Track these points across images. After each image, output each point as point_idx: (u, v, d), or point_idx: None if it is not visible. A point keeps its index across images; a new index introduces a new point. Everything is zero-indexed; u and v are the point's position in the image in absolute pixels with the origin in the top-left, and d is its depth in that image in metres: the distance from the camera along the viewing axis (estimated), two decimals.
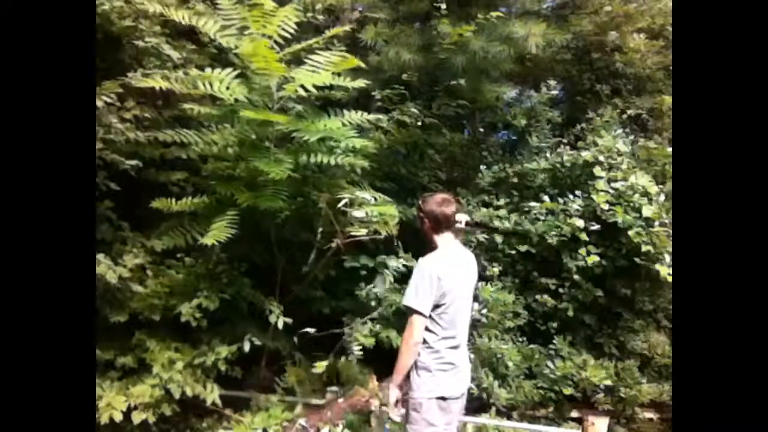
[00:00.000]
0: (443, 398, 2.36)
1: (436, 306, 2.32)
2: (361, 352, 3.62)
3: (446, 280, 2.32)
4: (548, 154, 5.13)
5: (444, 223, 2.42)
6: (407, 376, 2.38)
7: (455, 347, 2.41)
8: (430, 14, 5.03)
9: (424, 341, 2.35)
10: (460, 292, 2.40)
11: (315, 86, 3.41)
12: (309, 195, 3.94)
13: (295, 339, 3.90)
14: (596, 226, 4.38)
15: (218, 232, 3.17)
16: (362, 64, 3.49)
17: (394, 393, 2.39)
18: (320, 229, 3.86)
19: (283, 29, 3.28)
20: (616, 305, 4.61)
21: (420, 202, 2.52)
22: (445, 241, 2.45)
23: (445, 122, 5.10)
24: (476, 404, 4.00)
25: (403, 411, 2.48)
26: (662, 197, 4.42)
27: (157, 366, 3.33)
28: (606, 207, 4.32)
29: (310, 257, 3.91)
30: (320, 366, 3.49)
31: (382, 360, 4.22)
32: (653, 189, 4.38)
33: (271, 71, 3.16)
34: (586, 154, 4.65)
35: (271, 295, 3.86)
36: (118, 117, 3.36)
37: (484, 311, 4.19)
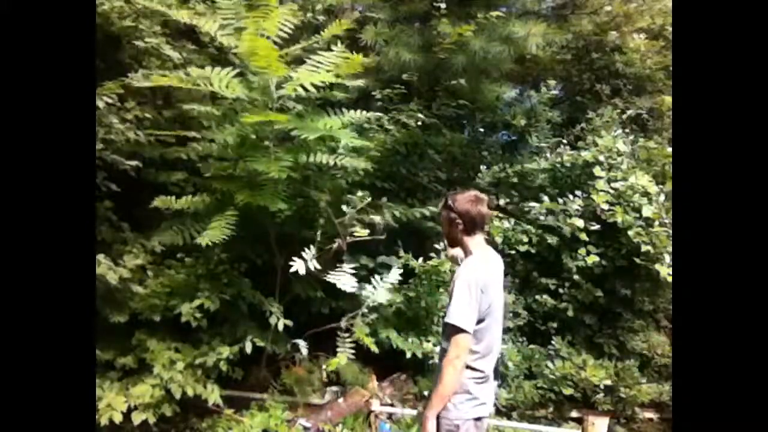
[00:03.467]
0: (479, 418, 2.19)
1: (479, 321, 2.11)
2: (353, 350, 3.60)
3: (488, 291, 2.14)
4: (548, 154, 5.14)
5: (480, 225, 2.22)
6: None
7: (491, 360, 2.24)
8: (430, 14, 5.03)
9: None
10: (498, 301, 2.22)
11: (314, 86, 3.40)
12: (309, 195, 3.94)
13: (289, 346, 3.90)
14: (596, 226, 4.38)
15: (215, 232, 3.17)
16: (367, 59, 3.47)
17: (433, 424, 2.10)
18: (320, 231, 3.86)
19: (281, 29, 3.28)
20: (616, 305, 4.61)
21: (449, 202, 2.24)
22: (478, 243, 2.23)
23: (445, 122, 5.10)
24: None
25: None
26: (662, 197, 4.42)
27: (158, 366, 3.33)
28: (606, 207, 4.33)
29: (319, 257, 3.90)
30: (333, 363, 3.48)
31: (382, 360, 4.24)
32: (653, 189, 4.38)
33: (272, 70, 3.16)
34: (586, 154, 4.65)
35: (271, 295, 3.86)
36: (118, 117, 3.36)
37: None
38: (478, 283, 2.10)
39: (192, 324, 3.46)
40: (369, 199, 3.99)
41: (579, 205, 4.48)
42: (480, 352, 2.16)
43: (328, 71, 3.32)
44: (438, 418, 2.14)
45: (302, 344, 3.70)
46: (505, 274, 4.56)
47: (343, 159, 3.60)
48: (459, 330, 2.05)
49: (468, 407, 2.13)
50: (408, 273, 4.43)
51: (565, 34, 5.52)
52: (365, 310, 3.87)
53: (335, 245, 3.76)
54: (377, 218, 3.97)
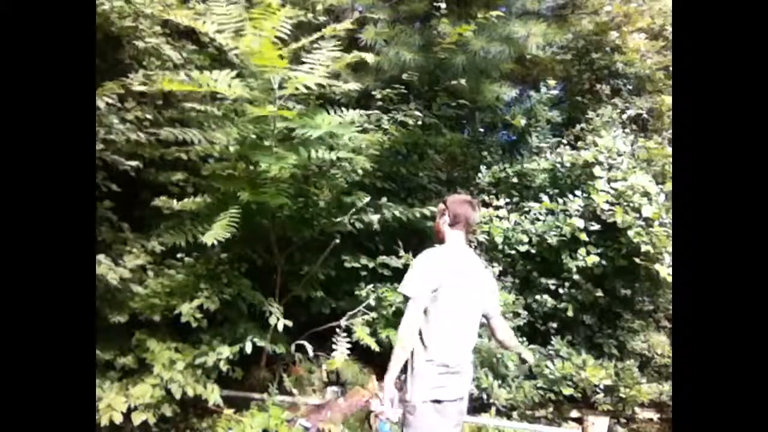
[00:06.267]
0: (437, 401, 2.31)
1: (433, 300, 2.29)
2: (349, 351, 3.60)
3: (444, 271, 2.31)
4: (548, 154, 5.14)
5: (462, 222, 2.44)
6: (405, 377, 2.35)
7: (453, 349, 2.36)
8: (430, 14, 5.03)
9: (421, 341, 2.31)
10: (460, 290, 2.36)
11: (315, 84, 3.40)
12: (310, 194, 3.94)
13: (293, 347, 3.90)
14: (596, 226, 4.38)
15: (219, 230, 3.17)
16: (366, 57, 3.46)
17: (389, 390, 2.31)
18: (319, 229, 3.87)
19: (280, 29, 3.27)
20: (616, 305, 4.61)
21: (445, 198, 2.58)
22: (456, 239, 2.45)
23: (445, 122, 5.10)
24: (476, 404, 4.01)
25: (399, 412, 2.44)
26: (662, 197, 4.42)
27: (158, 366, 3.33)
28: (606, 207, 4.33)
29: (319, 258, 3.92)
30: (332, 364, 3.48)
31: (382, 360, 4.24)
32: (653, 189, 4.38)
33: (273, 67, 3.15)
34: (586, 154, 4.65)
35: (271, 295, 3.86)
36: (118, 118, 3.36)
37: None
38: (431, 259, 2.33)
39: (192, 324, 3.45)
40: (368, 198, 4.00)
41: (579, 205, 4.49)
42: (433, 333, 2.30)
43: (327, 68, 3.31)
44: (401, 399, 2.34)
45: (308, 346, 3.71)
46: (505, 274, 4.61)
47: (343, 157, 3.60)
48: (405, 297, 2.29)
49: (423, 389, 2.29)
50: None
51: (565, 34, 5.53)
52: (364, 310, 3.88)
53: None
54: (375, 217, 3.98)
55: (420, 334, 2.31)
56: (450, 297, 2.32)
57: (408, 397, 2.32)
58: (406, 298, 2.30)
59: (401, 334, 2.29)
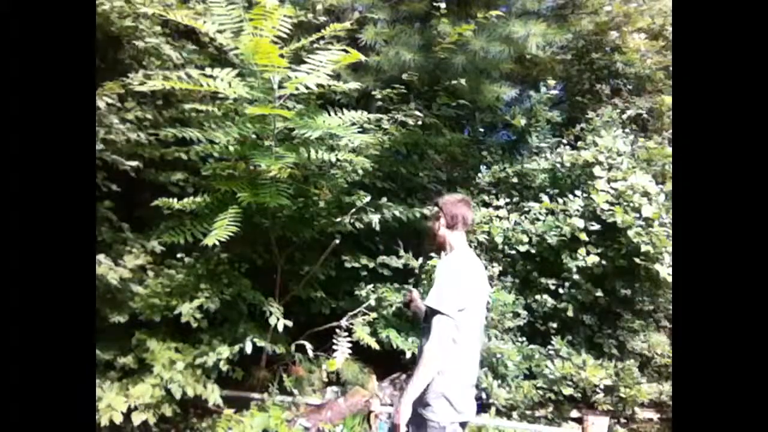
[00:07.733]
0: (463, 424, 2.22)
1: (460, 311, 2.13)
2: (351, 350, 3.60)
3: (471, 281, 2.20)
4: (548, 154, 5.14)
5: (461, 222, 2.33)
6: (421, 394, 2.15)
7: (474, 361, 2.26)
8: (430, 14, 5.03)
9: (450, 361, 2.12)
10: (479, 298, 2.27)
11: (315, 84, 3.39)
12: (310, 194, 3.94)
13: (293, 347, 3.90)
14: (596, 226, 4.38)
15: (220, 231, 3.16)
16: (364, 58, 3.45)
17: (407, 412, 2.06)
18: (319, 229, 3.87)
19: (280, 29, 3.27)
20: (616, 305, 4.61)
21: (436, 199, 2.44)
22: (459, 241, 2.35)
23: (445, 122, 5.10)
24: (476, 404, 4.00)
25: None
26: (662, 197, 4.42)
27: (158, 366, 3.33)
28: (606, 207, 4.32)
29: (319, 257, 3.92)
30: (332, 364, 3.49)
31: (382, 360, 4.24)
32: (653, 189, 4.38)
33: (274, 67, 3.15)
34: (586, 154, 4.65)
35: (271, 295, 3.87)
36: (118, 117, 3.36)
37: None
38: (460, 269, 2.19)
39: (192, 324, 3.45)
40: (368, 198, 4.00)
41: (579, 205, 4.49)
42: (462, 347, 2.15)
43: (327, 69, 3.31)
44: (425, 420, 2.13)
45: (308, 346, 3.71)
46: (505, 274, 4.60)
47: (343, 156, 3.60)
48: (438, 313, 2.08)
49: (452, 410, 2.14)
50: (408, 273, 4.43)
51: (565, 34, 5.52)
52: (365, 310, 3.89)
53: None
54: (375, 217, 3.98)
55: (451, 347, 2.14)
56: (474, 304, 2.21)
57: (435, 418, 2.13)
58: (434, 312, 2.10)
59: (434, 354, 2.07)
